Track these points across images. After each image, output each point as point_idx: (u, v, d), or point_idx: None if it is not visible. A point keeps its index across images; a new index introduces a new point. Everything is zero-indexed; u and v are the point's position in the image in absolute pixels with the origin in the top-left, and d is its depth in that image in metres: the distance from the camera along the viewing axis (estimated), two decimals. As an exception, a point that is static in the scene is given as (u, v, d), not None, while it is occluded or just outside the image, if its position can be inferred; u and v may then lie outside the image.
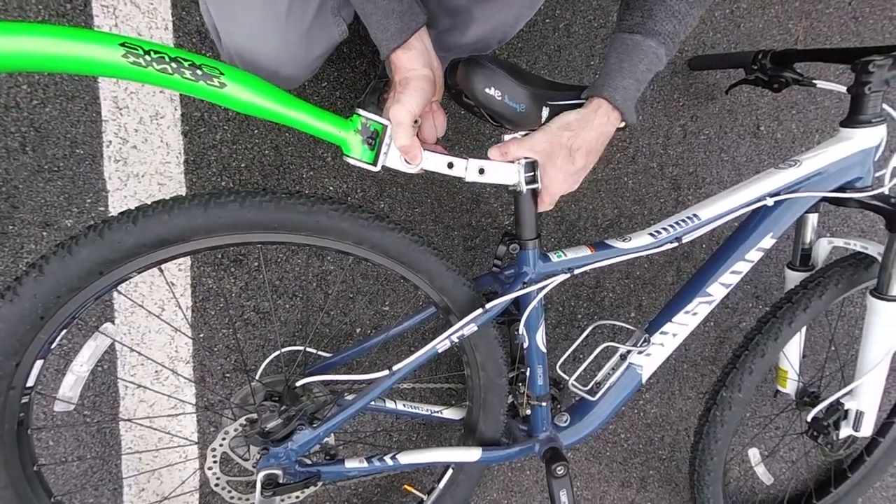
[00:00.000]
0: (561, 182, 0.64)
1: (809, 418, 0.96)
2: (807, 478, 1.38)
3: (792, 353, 0.99)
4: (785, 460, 1.37)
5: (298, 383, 0.74)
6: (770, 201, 0.79)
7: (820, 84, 0.86)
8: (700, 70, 1.17)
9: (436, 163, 0.61)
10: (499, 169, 0.65)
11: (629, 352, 0.85)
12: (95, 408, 0.93)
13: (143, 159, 0.90)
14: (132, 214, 0.56)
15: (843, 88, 0.80)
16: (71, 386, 0.65)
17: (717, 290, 0.84)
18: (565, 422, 0.88)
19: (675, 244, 0.78)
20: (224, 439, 0.73)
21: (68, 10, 0.84)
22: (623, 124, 0.62)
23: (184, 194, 0.58)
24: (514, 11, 0.65)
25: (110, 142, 0.88)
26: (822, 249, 0.97)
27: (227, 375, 0.99)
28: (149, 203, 0.57)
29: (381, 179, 1.01)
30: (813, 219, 0.94)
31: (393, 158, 0.59)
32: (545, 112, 0.62)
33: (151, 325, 0.94)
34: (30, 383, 0.61)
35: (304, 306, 1.00)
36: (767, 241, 0.83)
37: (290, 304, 1.00)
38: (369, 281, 1.03)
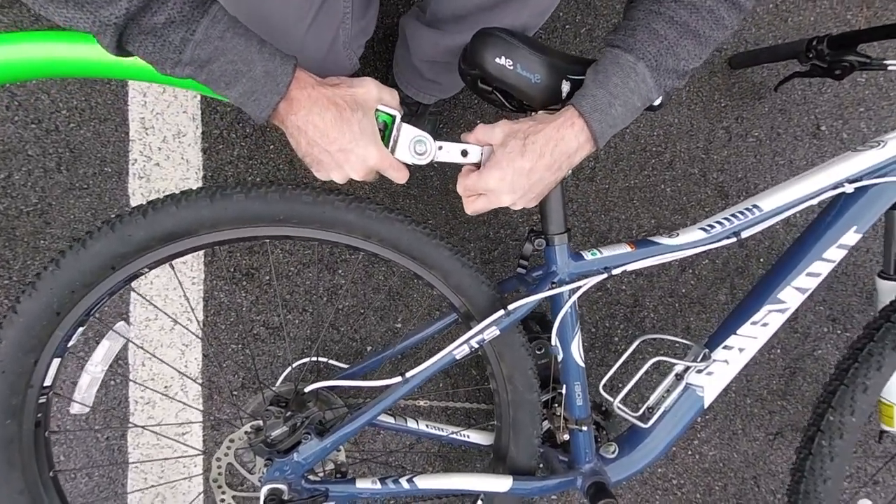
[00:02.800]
0: (499, 174, 0.59)
1: None
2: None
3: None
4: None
5: (307, 389, 0.78)
6: (849, 188, 0.74)
7: (895, 66, 0.83)
8: (742, 68, 1.17)
9: (448, 153, 0.63)
10: None
11: (686, 369, 0.80)
12: (107, 423, 1.01)
13: (164, 176, 1.03)
14: (143, 208, 0.64)
15: None
16: (86, 387, 0.73)
17: (791, 295, 0.78)
18: (613, 453, 0.83)
19: (733, 240, 0.75)
20: (229, 448, 0.78)
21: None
22: (590, 143, 0.59)
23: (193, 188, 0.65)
24: (523, 20, 0.67)
25: (135, 160, 1.02)
26: None
27: (235, 393, 1.06)
28: (159, 197, 0.65)
29: (394, 192, 1.08)
30: None
31: (402, 151, 0.61)
32: (566, 86, 0.62)
33: (164, 339, 1.03)
34: (47, 382, 0.68)
35: (315, 322, 1.07)
36: (850, 237, 0.76)
37: (300, 318, 1.07)
38: (381, 296, 1.09)
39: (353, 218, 0.67)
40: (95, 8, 0.46)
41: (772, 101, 1.19)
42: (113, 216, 0.64)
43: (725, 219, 0.77)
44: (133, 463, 1.03)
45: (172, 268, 0.71)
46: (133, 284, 1.01)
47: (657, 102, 0.62)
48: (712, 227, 0.76)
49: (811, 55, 0.94)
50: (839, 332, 1.22)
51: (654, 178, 1.16)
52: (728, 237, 0.75)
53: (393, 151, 0.61)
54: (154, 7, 0.47)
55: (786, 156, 1.20)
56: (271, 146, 1.04)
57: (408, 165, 0.62)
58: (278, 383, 0.86)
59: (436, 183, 1.10)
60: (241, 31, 0.52)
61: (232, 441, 0.78)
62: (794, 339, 1.21)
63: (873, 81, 1.23)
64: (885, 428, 0.93)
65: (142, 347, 1.02)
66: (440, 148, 0.62)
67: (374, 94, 0.58)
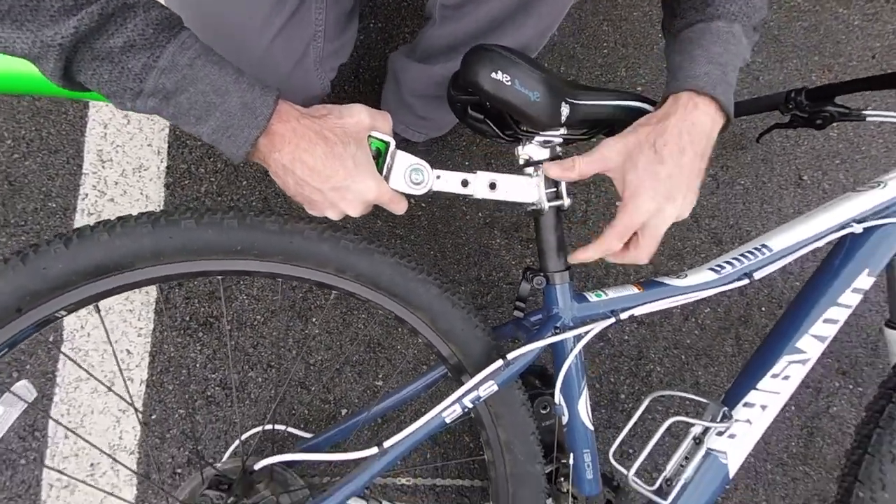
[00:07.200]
0: (650, 192, 0.51)
1: None
2: None
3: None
4: None
5: (256, 466, 0.63)
6: (858, 228, 0.72)
7: (872, 116, 0.83)
8: (723, 118, 1.19)
9: (447, 182, 0.58)
10: (514, 183, 0.60)
11: (705, 431, 0.70)
12: (7, 515, 0.80)
13: (118, 212, 0.91)
14: (65, 237, 0.52)
15: None
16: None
17: (811, 344, 0.72)
18: (628, 538, 0.71)
19: (746, 281, 0.70)
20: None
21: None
22: (721, 116, 0.53)
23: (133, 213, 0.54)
24: (524, 41, 0.64)
25: (86, 195, 0.91)
26: None
27: (179, 471, 0.87)
28: (88, 224, 0.53)
29: (379, 231, 0.99)
30: None
31: (397, 180, 0.56)
32: (565, 110, 0.57)
33: (96, 404, 0.85)
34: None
35: (281, 380, 0.92)
36: (864, 280, 0.73)
37: (264, 376, 0.92)
38: (359, 348, 0.95)
39: (326, 250, 0.58)
40: (37, 27, 0.37)
41: (754, 151, 1.20)
42: (27, 246, 0.51)
43: (735, 259, 0.72)
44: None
45: (98, 310, 0.57)
46: (65, 337, 0.86)
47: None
48: (722, 267, 0.71)
49: (791, 106, 0.96)
50: (851, 386, 1.14)
51: (647, 223, 1.12)
52: (739, 278, 0.70)
53: (387, 180, 0.56)
54: (110, 28, 0.40)
55: (773, 204, 1.19)
56: (244, 182, 0.95)
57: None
58: (224, 458, 0.70)
59: (424, 223, 1.02)
60: (214, 59, 0.45)
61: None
62: (807, 396, 1.12)
63: (844, 136, 1.27)
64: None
65: (59, 422, 0.84)
66: (438, 177, 0.58)
67: (366, 122, 0.52)
